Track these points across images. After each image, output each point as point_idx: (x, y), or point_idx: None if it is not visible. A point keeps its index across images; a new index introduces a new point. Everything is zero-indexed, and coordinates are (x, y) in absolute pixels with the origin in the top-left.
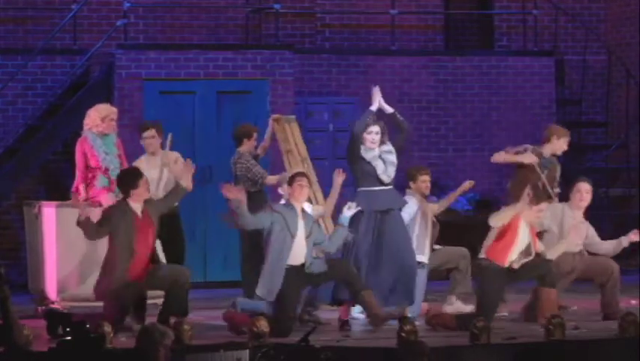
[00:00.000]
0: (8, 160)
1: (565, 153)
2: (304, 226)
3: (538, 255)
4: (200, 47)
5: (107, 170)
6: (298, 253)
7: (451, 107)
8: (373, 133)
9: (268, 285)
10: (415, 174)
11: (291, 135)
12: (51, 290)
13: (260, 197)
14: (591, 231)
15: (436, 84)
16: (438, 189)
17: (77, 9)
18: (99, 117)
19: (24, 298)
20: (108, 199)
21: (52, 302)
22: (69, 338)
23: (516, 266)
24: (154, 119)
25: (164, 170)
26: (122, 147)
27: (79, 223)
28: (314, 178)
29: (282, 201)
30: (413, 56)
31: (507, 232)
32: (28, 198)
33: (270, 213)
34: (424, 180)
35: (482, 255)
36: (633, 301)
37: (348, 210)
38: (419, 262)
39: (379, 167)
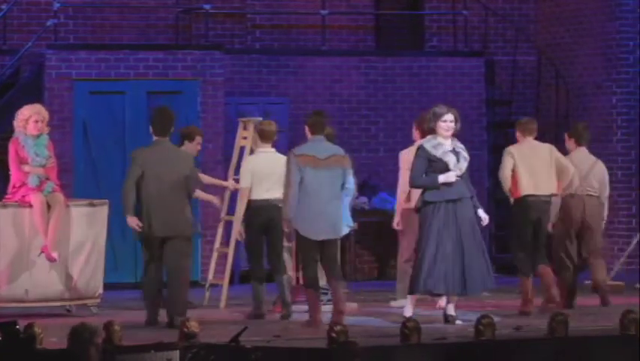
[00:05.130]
0: None
1: (494, 153)
2: None
3: None
4: (130, 47)
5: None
6: None
7: (382, 108)
8: (448, 121)
9: None
10: None
11: None
12: None
13: None
14: None
15: (367, 85)
16: (369, 189)
17: (7, 9)
18: (23, 118)
19: None
20: (37, 199)
21: None
22: None
23: None
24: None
25: None
26: (52, 147)
27: None
28: None
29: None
30: (343, 57)
31: None
32: None
33: None
34: None
35: None
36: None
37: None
38: None
39: (451, 161)
